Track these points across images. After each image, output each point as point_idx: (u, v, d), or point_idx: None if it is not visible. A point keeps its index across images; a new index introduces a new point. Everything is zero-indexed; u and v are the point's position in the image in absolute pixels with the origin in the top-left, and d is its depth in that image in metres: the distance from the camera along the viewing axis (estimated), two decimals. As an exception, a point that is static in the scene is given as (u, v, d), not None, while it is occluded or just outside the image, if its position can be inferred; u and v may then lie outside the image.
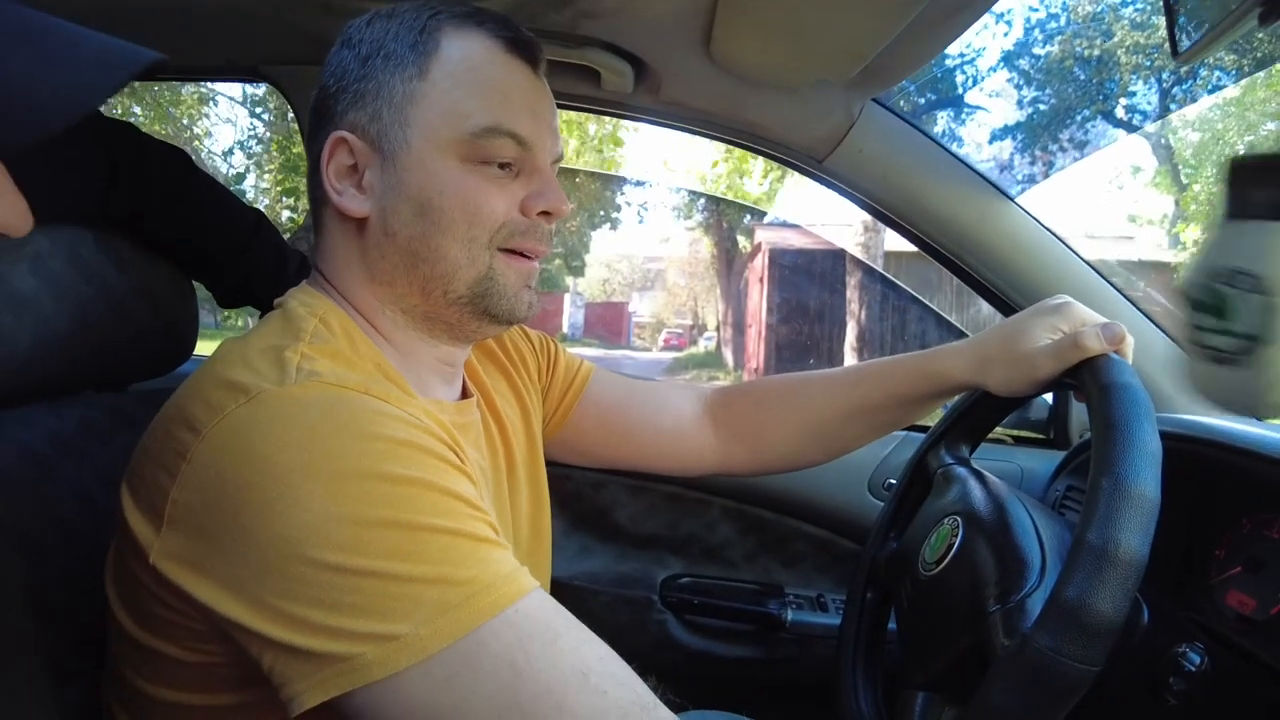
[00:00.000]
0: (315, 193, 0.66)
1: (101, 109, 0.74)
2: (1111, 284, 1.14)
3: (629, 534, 1.38)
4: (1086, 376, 0.67)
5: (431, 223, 0.62)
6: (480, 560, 0.48)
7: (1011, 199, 1.13)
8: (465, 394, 0.75)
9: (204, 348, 0.88)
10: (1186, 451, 0.83)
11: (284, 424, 0.49)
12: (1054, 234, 1.14)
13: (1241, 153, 0.62)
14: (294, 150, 9.38)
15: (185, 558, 0.49)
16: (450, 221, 0.62)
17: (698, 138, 1.23)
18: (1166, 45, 0.63)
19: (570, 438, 0.91)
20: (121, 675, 0.57)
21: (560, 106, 1.21)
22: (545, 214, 0.65)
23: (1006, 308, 1.19)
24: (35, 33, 0.38)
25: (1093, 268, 1.14)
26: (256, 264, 0.93)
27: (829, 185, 1.20)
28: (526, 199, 0.64)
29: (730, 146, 1.32)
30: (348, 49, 0.64)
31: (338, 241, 0.65)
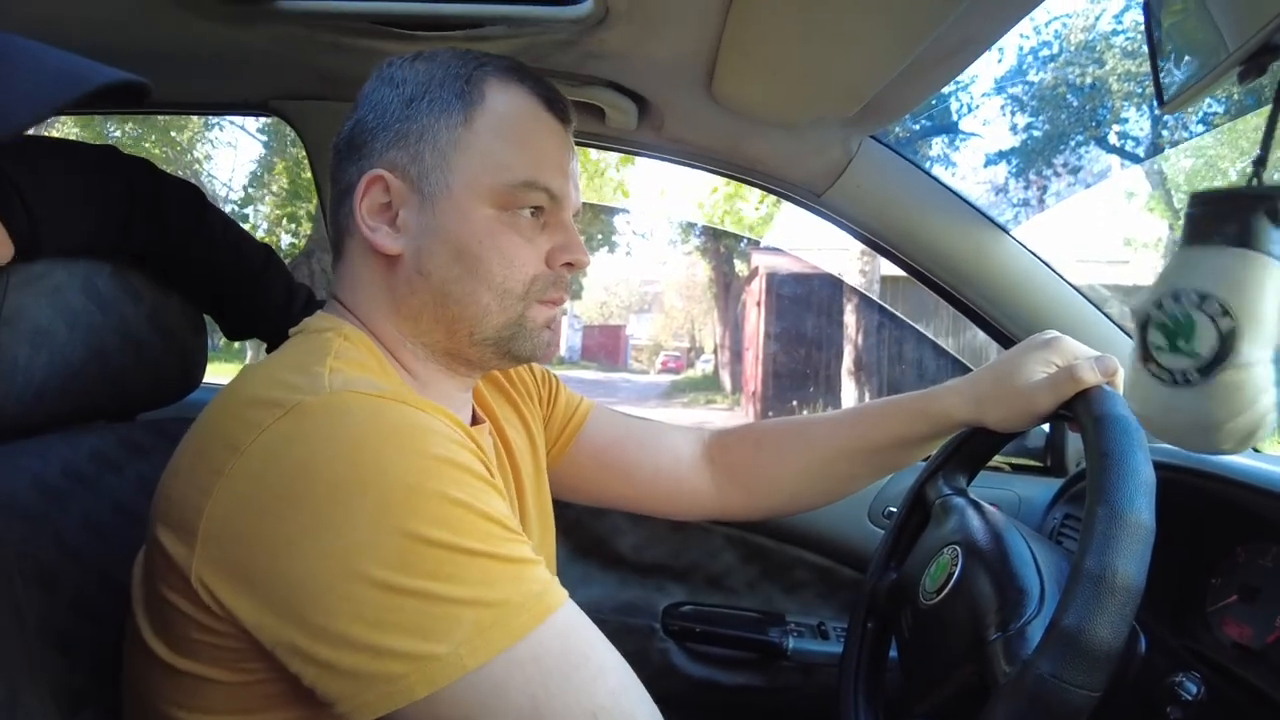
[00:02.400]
0: (342, 224, 0.67)
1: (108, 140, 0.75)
2: (1105, 314, 1.16)
3: (631, 562, 1.38)
4: (1081, 408, 0.68)
5: (467, 268, 0.64)
6: (513, 580, 0.50)
7: (1007, 231, 1.15)
8: (476, 420, 0.76)
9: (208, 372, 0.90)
10: (1179, 481, 0.84)
11: (327, 434, 0.50)
12: (1048, 266, 1.16)
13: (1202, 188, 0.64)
14: (304, 175, 9.43)
15: (224, 573, 0.50)
16: (487, 270, 0.64)
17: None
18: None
19: (567, 474, 0.91)
20: (154, 708, 0.57)
21: (565, 142, 1.24)
22: (568, 265, 0.68)
23: (1002, 338, 1.21)
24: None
25: (1086, 298, 1.16)
26: (265, 299, 0.94)
27: (827, 218, 1.22)
28: (552, 251, 0.67)
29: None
30: (389, 87, 0.65)
31: (363, 274, 0.67)
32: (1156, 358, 0.66)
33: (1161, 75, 0.60)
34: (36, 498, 0.66)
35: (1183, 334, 0.64)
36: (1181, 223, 0.66)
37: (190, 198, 0.85)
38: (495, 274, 0.64)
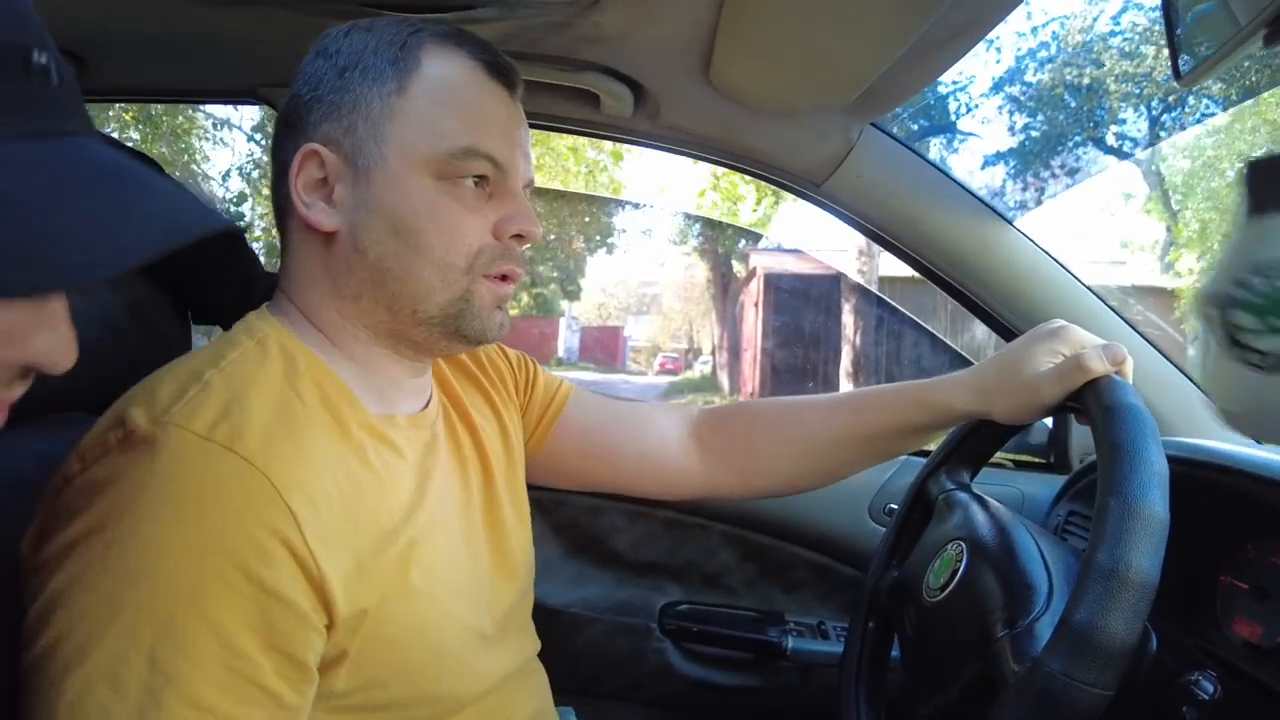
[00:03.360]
0: (281, 205, 0.65)
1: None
2: (1110, 306, 1.15)
3: (627, 560, 1.37)
4: (1090, 398, 0.67)
5: (405, 242, 0.61)
6: None
7: (1010, 223, 1.14)
8: (440, 408, 0.75)
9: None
10: (1188, 475, 0.83)
11: (128, 481, 0.49)
12: (1053, 258, 1.15)
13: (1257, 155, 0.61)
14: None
15: (31, 591, 0.49)
16: (426, 243, 0.61)
17: (694, 163, 1.24)
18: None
19: (549, 459, 0.89)
20: None
21: (560, 130, 1.23)
22: (517, 237, 0.65)
23: (1005, 331, 1.20)
24: (109, 179, 0.36)
25: (1092, 291, 1.15)
26: (223, 284, 0.92)
27: (827, 209, 1.20)
28: (499, 222, 0.64)
29: (721, 175, 1.33)
30: (324, 59, 0.63)
31: (302, 256, 0.65)
32: (1247, 341, 0.63)
33: (1179, 50, 0.58)
34: (9, 491, 0.64)
35: (1277, 310, 0.60)
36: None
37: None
38: (435, 247, 0.61)
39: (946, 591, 0.69)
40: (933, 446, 0.90)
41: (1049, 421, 1.28)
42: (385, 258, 0.61)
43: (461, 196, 0.62)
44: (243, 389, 0.55)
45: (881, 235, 1.19)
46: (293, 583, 0.51)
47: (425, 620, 0.61)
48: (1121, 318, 1.14)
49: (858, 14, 0.77)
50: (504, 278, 0.66)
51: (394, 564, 0.59)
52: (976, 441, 0.85)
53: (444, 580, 0.64)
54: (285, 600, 0.50)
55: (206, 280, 0.91)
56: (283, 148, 0.64)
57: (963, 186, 1.13)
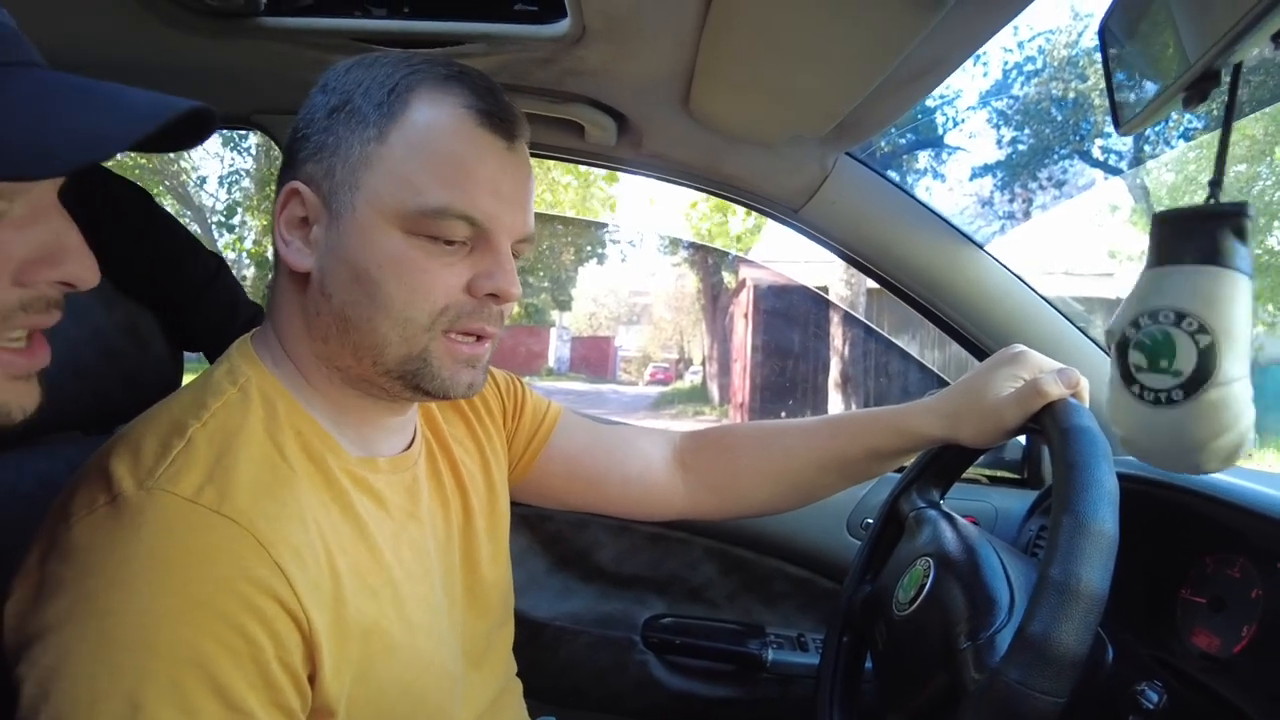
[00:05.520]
0: (274, 236, 0.63)
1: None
2: (1077, 326, 1.18)
3: (611, 574, 1.38)
4: (1048, 421, 0.69)
5: (366, 293, 0.59)
6: None
7: (980, 246, 1.17)
8: (429, 444, 0.75)
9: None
10: (1149, 494, 0.85)
11: (116, 548, 0.49)
12: (1021, 279, 1.18)
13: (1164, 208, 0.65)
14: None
15: (11, 635, 0.49)
16: (386, 297, 0.59)
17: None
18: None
19: (536, 483, 0.90)
20: None
21: (546, 158, 1.25)
22: (493, 296, 0.62)
23: (977, 350, 1.23)
24: (81, 89, 0.41)
25: (1059, 310, 1.18)
26: (204, 313, 0.93)
27: (804, 234, 1.23)
28: (474, 279, 0.61)
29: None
30: (321, 94, 0.61)
31: (284, 291, 0.64)
32: (1139, 378, 0.67)
33: (1117, 98, 0.62)
34: (13, 510, 0.66)
35: (1163, 353, 0.64)
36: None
37: (136, 199, 0.84)
38: (395, 301, 0.59)
39: (914, 605, 0.71)
40: (908, 463, 0.93)
41: (1022, 439, 1.30)
42: (347, 305, 0.59)
43: (434, 251, 0.59)
44: (226, 445, 0.54)
45: (856, 258, 1.22)
46: (289, 637, 0.51)
47: (409, 672, 0.61)
48: (1088, 336, 1.17)
49: (828, 53, 0.80)
50: (477, 337, 0.63)
51: (375, 621, 0.59)
52: (946, 461, 0.87)
53: (424, 630, 0.64)
54: (281, 656, 0.50)
55: (189, 304, 0.91)
56: (280, 177, 0.63)
57: (933, 212, 1.16)
